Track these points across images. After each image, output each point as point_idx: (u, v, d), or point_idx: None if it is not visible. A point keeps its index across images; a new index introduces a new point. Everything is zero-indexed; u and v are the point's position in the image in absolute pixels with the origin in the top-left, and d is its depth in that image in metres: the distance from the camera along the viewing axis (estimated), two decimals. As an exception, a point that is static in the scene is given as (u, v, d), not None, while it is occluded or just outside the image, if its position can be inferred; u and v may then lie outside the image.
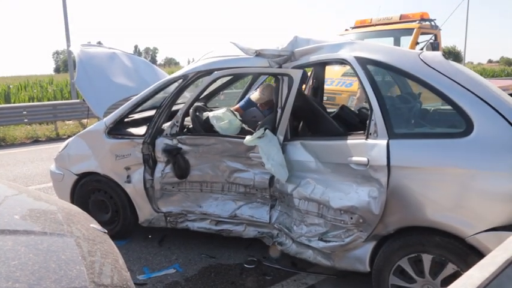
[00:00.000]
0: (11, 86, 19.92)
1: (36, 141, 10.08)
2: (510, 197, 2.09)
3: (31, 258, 1.26)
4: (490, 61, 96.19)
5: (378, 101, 2.52)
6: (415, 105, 3.07)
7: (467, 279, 1.07)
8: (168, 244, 3.75)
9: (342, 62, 2.85)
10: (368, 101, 2.57)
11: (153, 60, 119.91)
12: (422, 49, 7.55)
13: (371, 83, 2.58)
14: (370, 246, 2.60)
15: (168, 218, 3.54)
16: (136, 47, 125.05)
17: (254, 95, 4.15)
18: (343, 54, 2.80)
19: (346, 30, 9.68)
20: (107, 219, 3.77)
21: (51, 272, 1.23)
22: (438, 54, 2.63)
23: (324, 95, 4.61)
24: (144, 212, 3.60)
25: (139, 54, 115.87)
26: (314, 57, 2.98)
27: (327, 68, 4.52)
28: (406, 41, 8.53)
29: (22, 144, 9.71)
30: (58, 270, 1.25)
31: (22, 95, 18.42)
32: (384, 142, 2.43)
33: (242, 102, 4.35)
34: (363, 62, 2.67)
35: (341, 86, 6.74)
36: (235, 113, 3.76)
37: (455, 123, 2.36)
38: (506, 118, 2.20)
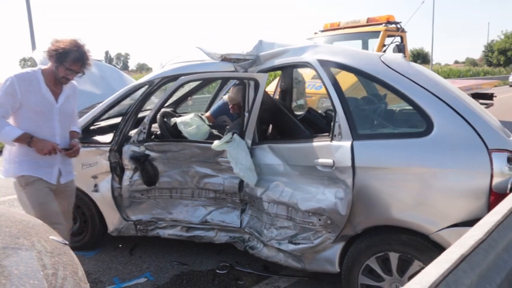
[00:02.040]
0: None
1: (1, 151, 9.73)
2: (469, 193, 2.15)
3: (-20, 275, 1.21)
4: (456, 62, 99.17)
5: (341, 103, 2.55)
6: (379, 106, 3.13)
7: (423, 276, 1.08)
8: (139, 253, 3.68)
9: (306, 65, 2.88)
10: (332, 103, 2.61)
11: (125, 66, 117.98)
12: (385, 51, 7.72)
13: (334, 86, 2.61)
14: (339, 247, 2.63)
15: (138, 226, 3.47)
16: (107, 53, 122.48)
17: (228, 94, 4.12)
18: (306, 57, 2.83)
19: (316, 33, 9.80)
20: (75, 230, 3.67)
21: (2, 289, 1.18)
22: (399, 56, 2.70)
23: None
24: (113, 221, 3.52)
25: (111, 60, 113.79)
26: (279, 61, 3.01)
27: (298, 71, 4.54)
28: (374, 43, 8.71)
29: (-14, 155, 9.36)
30: (9, 286, 1.20)
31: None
32: (348, 143, 2.46)
33: (213, 109, 4.30)
34: (326, 64, 2.70)
35: (311, 88, 6.78)
36: (203, 118, 3.73)
37: (416, 123, 2.42)
38: (463, 117, 2.27)
